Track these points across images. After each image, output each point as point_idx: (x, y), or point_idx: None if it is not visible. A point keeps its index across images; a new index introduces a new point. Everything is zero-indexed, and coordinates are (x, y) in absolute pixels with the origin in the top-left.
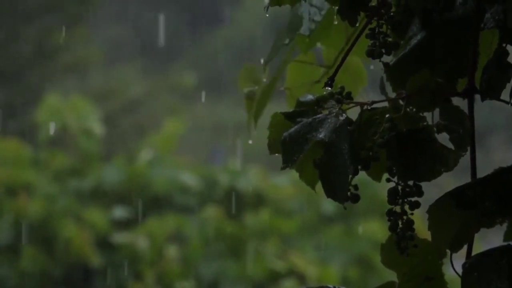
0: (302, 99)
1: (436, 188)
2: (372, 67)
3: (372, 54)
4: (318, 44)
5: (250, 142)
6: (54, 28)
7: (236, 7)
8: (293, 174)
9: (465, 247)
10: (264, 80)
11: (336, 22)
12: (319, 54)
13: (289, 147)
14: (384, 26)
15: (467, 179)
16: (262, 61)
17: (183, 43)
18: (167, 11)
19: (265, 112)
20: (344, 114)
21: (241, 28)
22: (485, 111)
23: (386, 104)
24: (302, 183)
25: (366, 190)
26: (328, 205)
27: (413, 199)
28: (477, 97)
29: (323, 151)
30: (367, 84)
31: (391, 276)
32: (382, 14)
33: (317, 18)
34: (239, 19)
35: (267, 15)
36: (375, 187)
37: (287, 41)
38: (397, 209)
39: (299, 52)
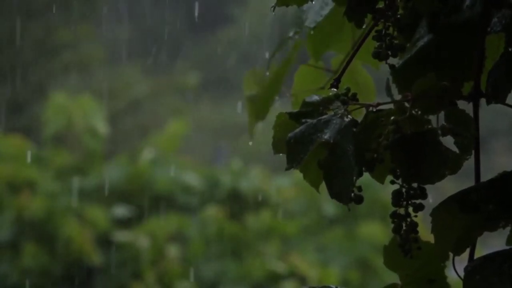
0: (307, 99)
1: (435, 191)
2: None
3: (378, 56)
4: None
5: (250, 143)
6: (59, 26)
7: (240, 7)
8: (295, 175)
9: (467, 250)
10: (267, 73)
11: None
12: (328, 60)
13: (294, 147)
14: (391, 28)
15: (467, 182)
16: (267, 54)
17: (187, 43)
18: (171, 11)
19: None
20: (349, 115)
21: (245, 27)
22: (488, 115)
23: (391, 106)
24: (303, 184)
25: (367, 192)
26: (329, 207)
27: (417, 201)
28: (482, 101)
29: (328, 152)
30: (375, 98)
31: (392, 279)
32: (389, 16)
33: (324, 12)
34: (243, 18)
35: (272, 15)
36: (377, 190)
37: (291, 34)
38: (401, 211)
39: (304, 50)
